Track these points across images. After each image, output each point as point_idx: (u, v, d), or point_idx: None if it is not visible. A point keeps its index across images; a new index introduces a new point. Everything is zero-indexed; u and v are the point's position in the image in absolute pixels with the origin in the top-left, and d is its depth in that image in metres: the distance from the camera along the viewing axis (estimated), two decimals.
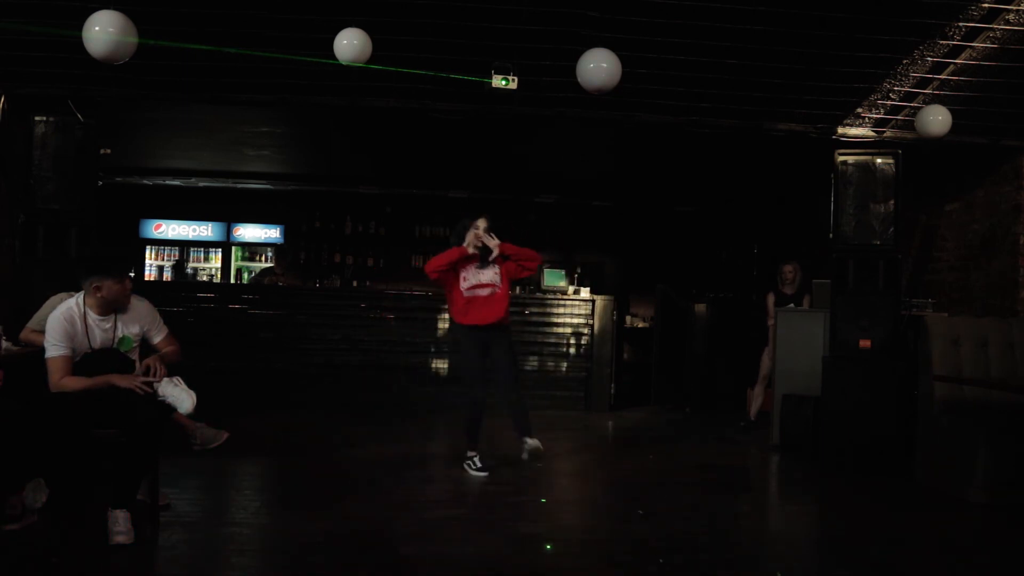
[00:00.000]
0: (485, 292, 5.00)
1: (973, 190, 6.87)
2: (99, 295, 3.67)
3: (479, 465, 4.99)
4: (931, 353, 5.14)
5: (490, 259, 4.99)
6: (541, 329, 8.04)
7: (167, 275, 11.16)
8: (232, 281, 11.17)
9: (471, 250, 4.94)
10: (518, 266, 5.10)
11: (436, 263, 4.95)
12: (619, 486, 5.11)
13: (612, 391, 8.07)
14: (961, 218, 7.01)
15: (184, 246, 11.47)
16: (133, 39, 4.42)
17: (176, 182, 10.64)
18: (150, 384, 3.64)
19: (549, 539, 3.74)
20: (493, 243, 4.93)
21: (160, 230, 11.44)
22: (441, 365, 7.93)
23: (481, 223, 5.00)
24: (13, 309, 4.93)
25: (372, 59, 4.75)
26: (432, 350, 7.91)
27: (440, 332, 7.93)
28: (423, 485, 4.78)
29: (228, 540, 3.61)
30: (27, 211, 5.24)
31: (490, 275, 5.02)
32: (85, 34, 4.36)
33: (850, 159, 5.68)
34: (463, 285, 5.00)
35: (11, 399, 3.60)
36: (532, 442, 5.00)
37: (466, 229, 4.99)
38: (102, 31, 4.33)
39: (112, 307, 3.73)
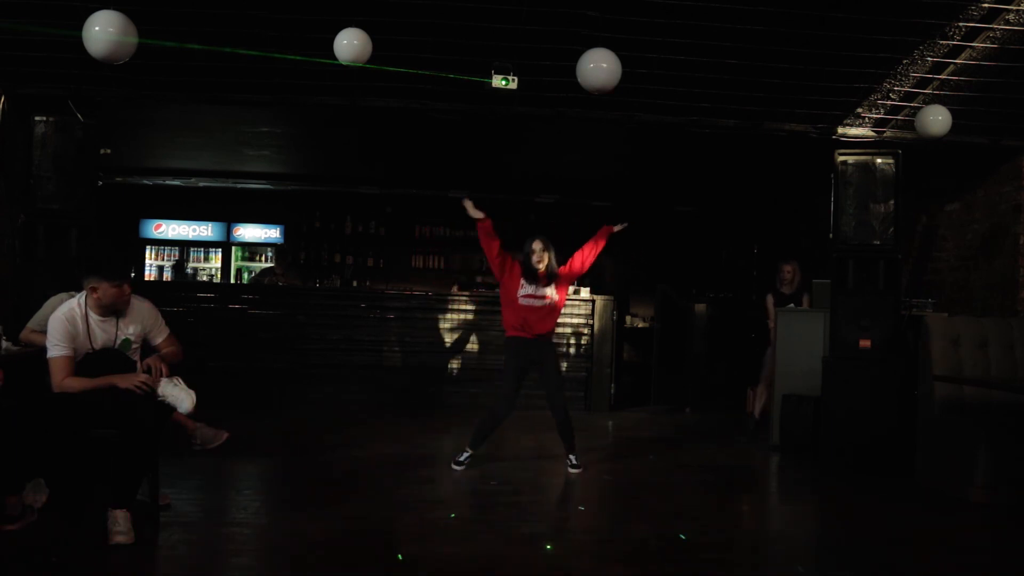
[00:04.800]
0: (540, 303, 5.11)
1: (973, 190, 6.87)
2: (95, 296, 3.67)
3: (460, 460, 5.13)
4: (931, 353, 5.14)
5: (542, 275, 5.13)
6: None
7: (167, 275, 11.17)
8: (232, 281, 11.17)
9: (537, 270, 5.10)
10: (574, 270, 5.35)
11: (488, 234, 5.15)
12: (619, 486, 5.12)
13: (612, 391, 8.06)
14: (961, 218, 7.01)
15: (184, 246, 11.48)
16: (133, 39, 4.42)
17: (176, 182, 10.64)
18: (150, 383, 3.64)
19: (549, 539, 3.74)
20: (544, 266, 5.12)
21: (160, 230, 11.44)
22: (441, 365, 7.93)
23: (536, 245, 5.14)
24: (13, 309, 4.93)
25: (372, 59, 4.75)
26: (432, 350, 7.90)
27: (439, 332, 7.93)
28: (423, 485, 4.78)
29: (228, 540, 3.61)
30: (27, 211, 5.23)
31: (548, 290, 5.15)
32: (85, 34, 4.36)
33: (850, 159, 5.68)
34: (520, 292, 5.10)
35: (11, 399, 3.60)
36: (575, 467, 5.23)
37: (527, 255, 5.14)
38: (102, 31, 4.33)
39: (110, 310, 3.73)
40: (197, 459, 4.79)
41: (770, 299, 7.05)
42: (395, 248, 11.51)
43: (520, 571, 3.34)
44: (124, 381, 3.60)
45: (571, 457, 5.23)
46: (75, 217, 5.26)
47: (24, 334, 4.39)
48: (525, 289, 5.10)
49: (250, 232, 11.53)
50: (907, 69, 5.64)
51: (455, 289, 9.02)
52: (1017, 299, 6.29)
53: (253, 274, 11.01)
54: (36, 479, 3.67)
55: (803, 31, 5.15)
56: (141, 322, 3.86)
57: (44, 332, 3.82)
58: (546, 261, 5.14)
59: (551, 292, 5.16)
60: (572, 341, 8.05)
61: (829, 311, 5.79)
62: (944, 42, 5.35)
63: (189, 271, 11.22)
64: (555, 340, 8.00)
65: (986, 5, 4.99)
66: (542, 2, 4.93)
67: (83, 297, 3.74)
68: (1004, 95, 5.79)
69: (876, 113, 6.15)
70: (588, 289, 8.41)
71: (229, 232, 11.50)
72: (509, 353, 5.21)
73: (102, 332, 3.74)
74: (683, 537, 3.87)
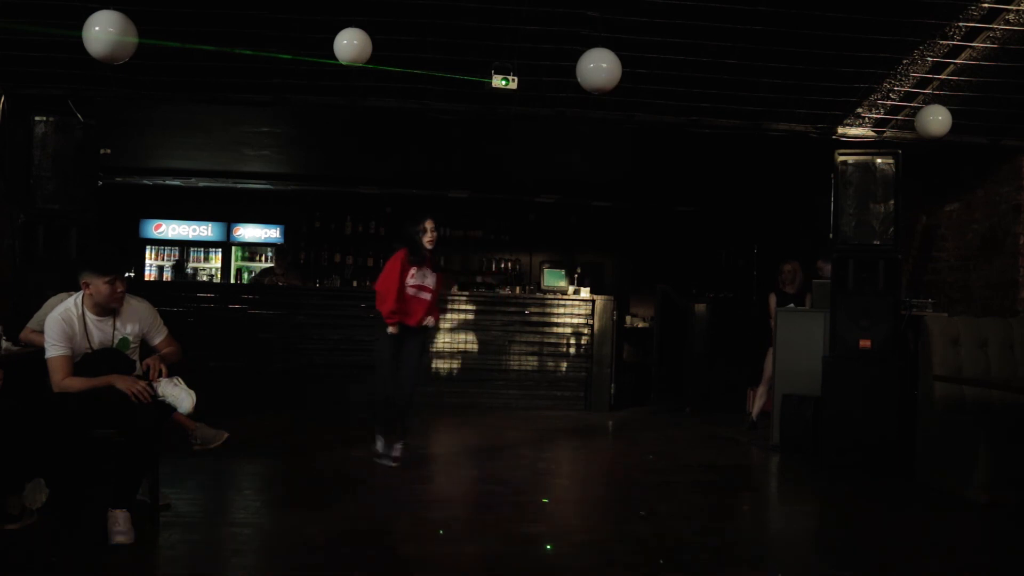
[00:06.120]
0: (425, 295, 5.16)
1: (973, 190, 6.87)
2: (88, 292, 3.67)
3: (391, 454, 5.11)
4: (931, 353, 5.14)
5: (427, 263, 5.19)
6: (541, 329, 8.04)
7: (167, 275, 11.17)
8: (232, 281, 11.17)
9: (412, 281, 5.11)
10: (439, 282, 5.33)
11: (390, 288, 5.04)
12: (619, 486, 5.11)
13: (612, 391, 8.06)
14: (961, 218, 7.01)
15: (184, 246, 11.48)
16: (133, 39, 4.43)
17: (176, 182, 10.64)
18: (149, 385, 3.64)
19: (549, 539, 3.74)
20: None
21: (160, 230, 11.44)
22: (441, 365, 7.92)
23: (429, 224, 5.16)
24: (13, 309, 4.93)
25: (372, 59, 4.75)
26: (432, 350, 7.90)
27: (439, 332, 7.93)
28: (423, 485, 4.78)
29: (228, 540, 3.61)
30: (27, 211, 5.23)
31: (432, 280, 5.20)
32: (85, 34, 4.36)
33: (850, 159, 5.68)
34: (408, 282, 5.11)
35: (11, 399, 3.59)
36: (398, 452, 5.14)
37: (416, 232, 5.16)
38: (102, 31, 4.34)
39: (105, 308, 3.73)
40: (197, 459, 4.78)
41: (772, 298, 7.05)
42: (395, 248, 11.49)
43: (520, 571, 3.34)
44: (123, 383, 3.58)
45: (396, 446, 5.15)
46: (75, 217, 5.26)
47: (24, 334, 4.39)
48: (413, 279, 5.12)
49: (250, 232, 11.53)
50: (907, 69, 5.64)
51: (455, 289, 9.01)
52: (1017, 299, 6.29)
53: (253, 274, 11.01)
54: (36, 479, 3.66)
55: (803, 31, 5.15)
56: (139, 321, 3.86)
57: (43, 332, 3.81)
58: (434, 242, 5.17)
59: (432, 283, 5.19)
60: (572, 341, 8.05)
61: (829, 311, 5.79)
62: (944, 42, 5.35)
63: (189, 271, 11.22)
64: (550, 339, 8.13)
65: (986, 5, 4.99)
66: (542, 2, 4.93)
67: (80, 297, 3.74)
68: (1004, 95, 5.79)
69: (876, 113, 6.15)
70: (588, 289, 8.42)
71: (229, 232, 11.50)
72: (385, 336, 5.12)
73: (99, 332, 3.74)
74: (683, 537, 3.87)
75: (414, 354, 5.18)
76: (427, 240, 5.13)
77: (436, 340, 7.91)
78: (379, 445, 5.14)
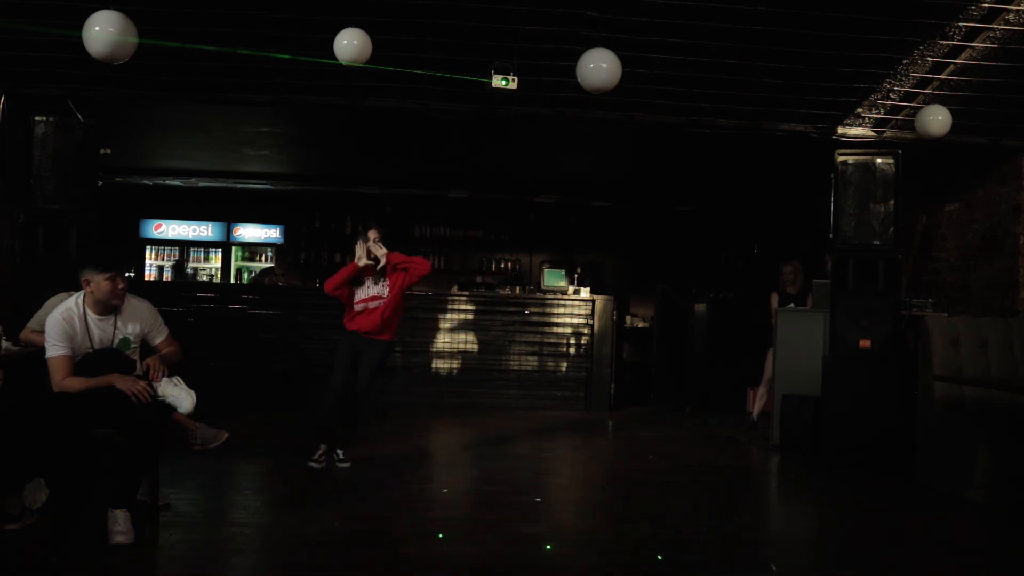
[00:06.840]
0: (373, 304, 5.20)
1: (973, 190, 6.87)
2: (89, 290, 3.67)
3: (314, 457, 5.10)
4: (931, 353, 5.14)
5: (378, 268, 5.23)
6: (541, 329, 8.04)
7: (167, 275, 11.17)
8: (232, 281, 11.16)
9: (362, 263, 5.19)
10: (407, 273, 5.29)
11: (333, 282, 5.23)
12: (619, 486, 5.11)
13: (612, 391, 8.07)
14: (961, 218, 7.01)
15: (184, 246, 11.48)
16: (133, 39, 4.43)
17: (176, 182, 10.63)
18: (149, 385, 3.64)
19: (549, 539, 3.74)
20: (381, 252, 5.22)
21: (160, 230, 11.44)
22: (441, 365, 7.93)
23: (372, 234, 5.22)
24: (13, 309, 4.93)
25: (372, 59, 4.75)
26: (432, 350, 7.90)
27: (439, 332, 7.93)
28: (423, 485, 4.78)
29: (228, 540, 3.61)
30: (27, 211, 5.23)
31: (378, 289, 5.22)
32: (85, 34, 4.36)
33: (850, 159, 5.68)
34: (358, 295, 5.23)
35: (11, 399, 3.59)
36: (342, 461, 5.13)
37: (364, 241, 5.22)
38: (102, 31, 4.34)
39: (106, 307, 3.73)
40: (197, 459, 4.78)
41: (774, 298, 7.05)
42: (395, 248, 11.47)
43: (520, 571, 3.34)
44: (123, 382, 3.59)
45: (339, 452, 5.17)
46: (75, 217, 5.26)
47: (24, 334, 4.39)
48: (358, 295, 5.21)
49: (250, 232, 11.53)
50: (907, 69, 5.64)
51: (455, 289, 9.02)
52: (1017, 299, 6.28)
53: (253, 274, 11.00)
54: (36, 479, 3.66)
55: (803, 31, 5.15)
56: (140, 321, 3.86)
57: (44, 332, 3.81)
58: (382, 250, 5.21)
59: (382, 291, 5.22)
60: (572, 341, 8.05)
61: (829, 311, 5.79)
62: (944, 42, 5.34)
63: (189, 271, 11.22)
64: (550, 339, 8.13)
65: (986, 5, 4.99)
66: (542, 2, 4.93)
67: (81, 296, 3.74)
68: (1004, 95, 5.78)
69: (876, 113, 6.15)
70: (588, 289, 8.42)
71: (229, 232, 11.50)
72: (341, 342, 5.30)
73: (100, 331, 3.74)
74: (683, 537, 3.87)
75: (371, 364, 5.20)
76: (359, 250, 5.21)
77: (436, 340, 7.92)
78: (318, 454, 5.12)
